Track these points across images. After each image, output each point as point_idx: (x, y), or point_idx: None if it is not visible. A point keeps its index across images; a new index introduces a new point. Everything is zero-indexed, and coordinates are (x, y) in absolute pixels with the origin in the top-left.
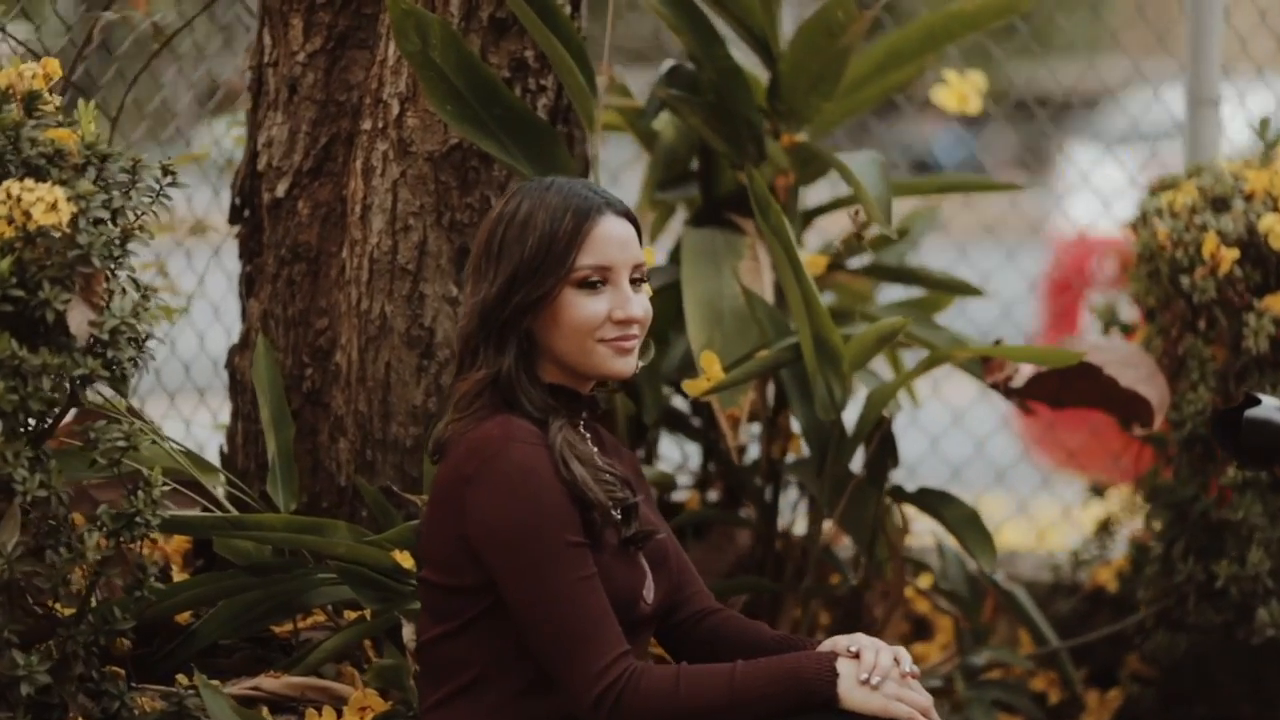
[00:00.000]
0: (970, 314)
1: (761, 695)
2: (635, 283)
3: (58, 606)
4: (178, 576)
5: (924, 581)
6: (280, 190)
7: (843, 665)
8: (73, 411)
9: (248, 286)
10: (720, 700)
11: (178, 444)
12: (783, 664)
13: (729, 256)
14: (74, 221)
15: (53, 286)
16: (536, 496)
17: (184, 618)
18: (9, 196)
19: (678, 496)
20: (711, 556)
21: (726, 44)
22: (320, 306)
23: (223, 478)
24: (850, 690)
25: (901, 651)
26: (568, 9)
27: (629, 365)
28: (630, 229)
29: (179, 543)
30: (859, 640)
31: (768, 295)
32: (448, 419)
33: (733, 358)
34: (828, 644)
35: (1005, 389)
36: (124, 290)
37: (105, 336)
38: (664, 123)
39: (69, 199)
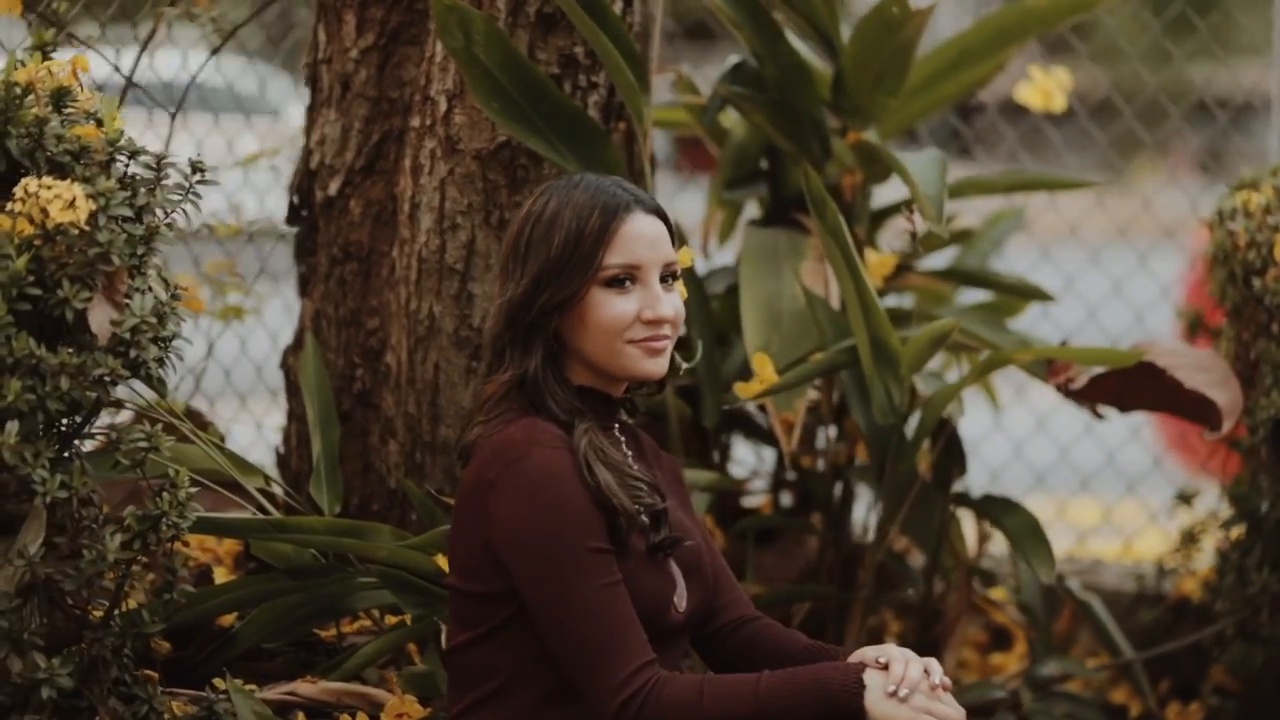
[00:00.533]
0: (1056, 318)
1: (787, 706)
2: (666, 281)
3: (91, 609)
4: (228, 578)
5: (999, 593)
6: (332, 189)
7: (870, 677)
8: (126, 412)
9: (303, 286)
10: (745, 711)
11: (219, 445)
12: (809, 674)
13: (791, 257)
14: (94, 219)
15: (72, 285)
16: (558, 501)
17: (229, 620)
18: (27, 194)
19: (752, 501)
20: (781, 562)
21: (789, 39)
22: (371, 306)
23: (264, 479)
24: (878, 702)
25: (932, 663)
26: (618, 4)
27: (659, 366)
28: (660, 227)
29: (230, 544)
30: (888, 651)
31: (833, 297)
32: (473, 422)
33: (791, 360)
34: (856, 655)
35: (1067, 390)
36: (148, 289)
37: (126, 335)
38: (734, 120)
39: (88, 196)
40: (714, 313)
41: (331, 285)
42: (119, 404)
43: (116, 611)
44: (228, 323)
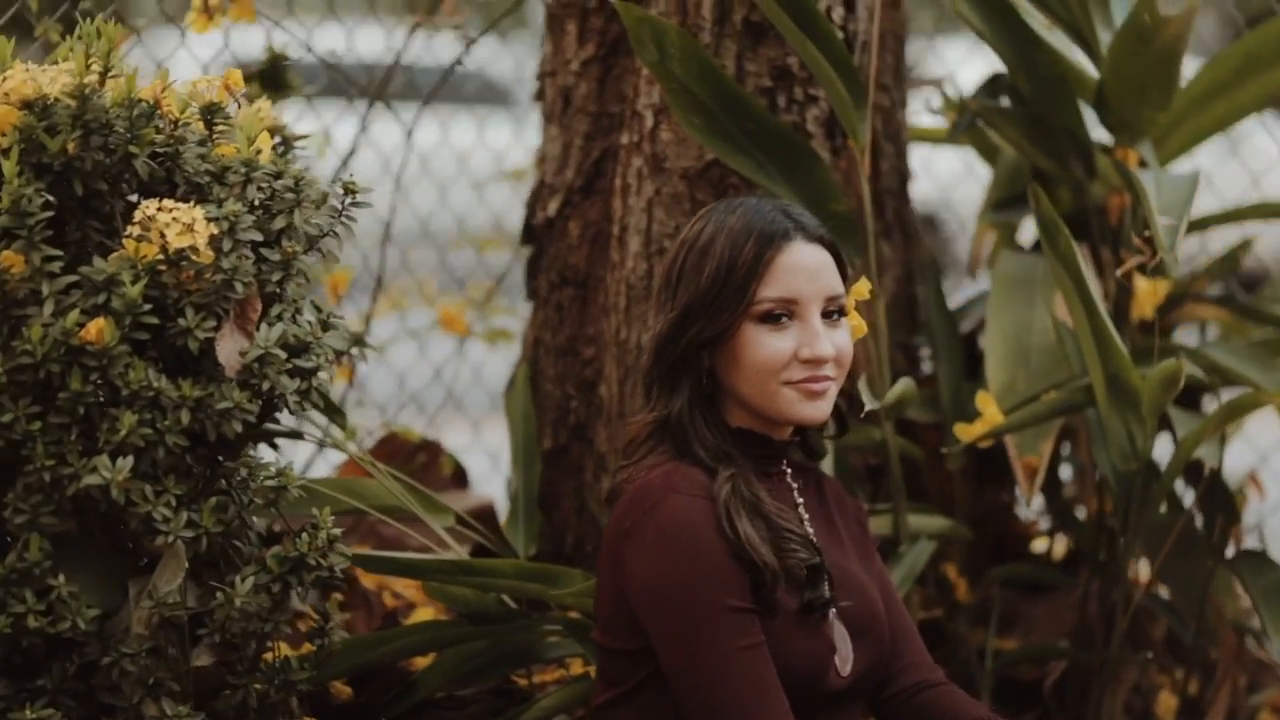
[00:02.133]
0: None
1: None
2: (831, 317)
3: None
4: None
5: None
6: (552, 209)
7: None
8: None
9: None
10: None
11: (407, 481)
12: None
13: (1047, 286)
14: (218, 243)
15: (196, 313)
16: (693, 555)
17: (423, 662)
18: (144, 217)
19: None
20: (1052, 614)
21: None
22: (588, 334)
23: (455, 518)
24: None
25: None
26: (839, 9)
27: (819, 411)
28: (823, 257)
29: None
30: None
31: None
32: (617, 465)
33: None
34: None
35: None
36: (291, 317)
37: (253, 366)
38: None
39: (210, 220)
40: (961, 345)
41: (549, 311)
42: (296, 436)
43: (264, 658)
44: (494, 345)
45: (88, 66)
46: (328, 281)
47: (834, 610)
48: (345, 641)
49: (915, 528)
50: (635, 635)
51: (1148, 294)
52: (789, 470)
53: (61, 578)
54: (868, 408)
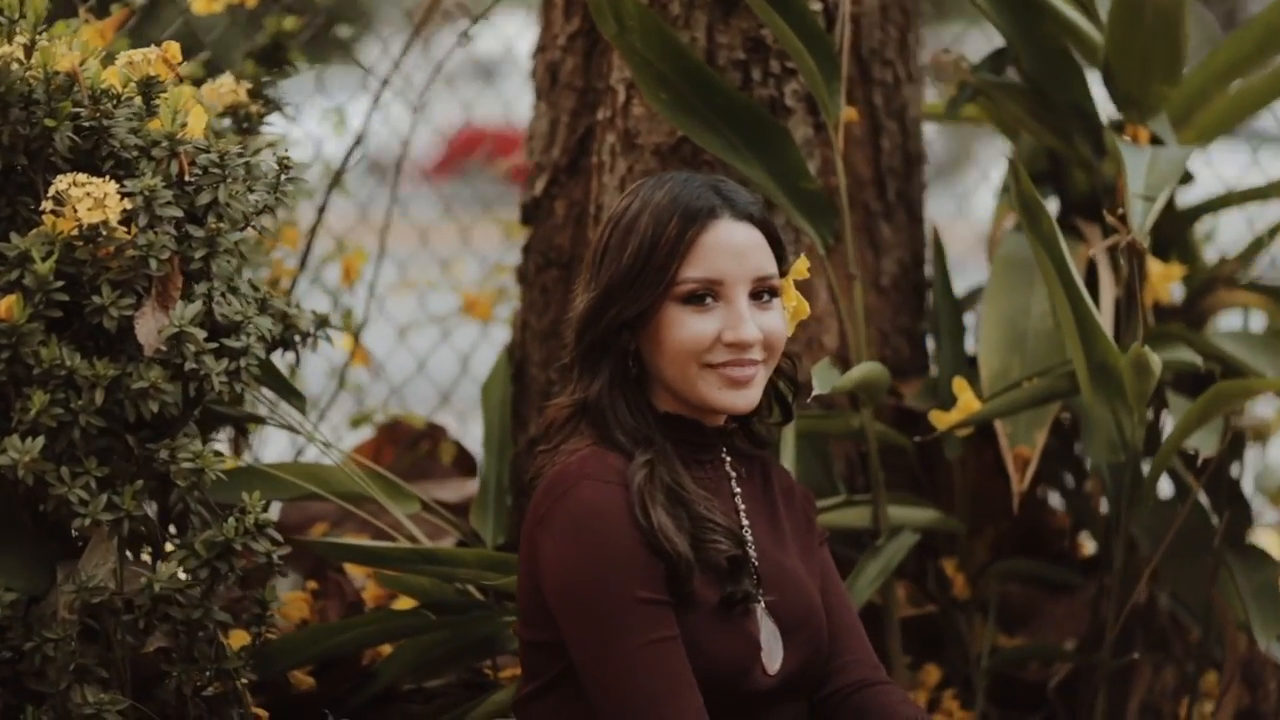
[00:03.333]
0: None
1: None
2: (762, 298)
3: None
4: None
5: None
6: (538, 188)
7: None
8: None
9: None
10: None
11: (372, 467)
12: None
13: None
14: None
15: (113, 290)
16: (603, 544)
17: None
18: (58, 191)
19: None
20: (1073, 613)
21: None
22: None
23: (421, 505)
24: None
25: None
26: None
27: (743, 399)
28: (753, 236)
29: None
30: None
31: (1104, 315)
32: (535, 450)
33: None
34: None
35: None
36: (211, 295)
37: (163, 346)
38: None
39: (124, 195)
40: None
41: (535, 294)
42: (250, 420)
43: (197, 648)
44: None
45: (9, 39)
46: (342, 262)
47: (762, 605)
48: (305, 630)
49: (898, 520)
50: (551, 626)
51: (1160, 277)
52: (728, 458)
53: None
54: (815, 391)
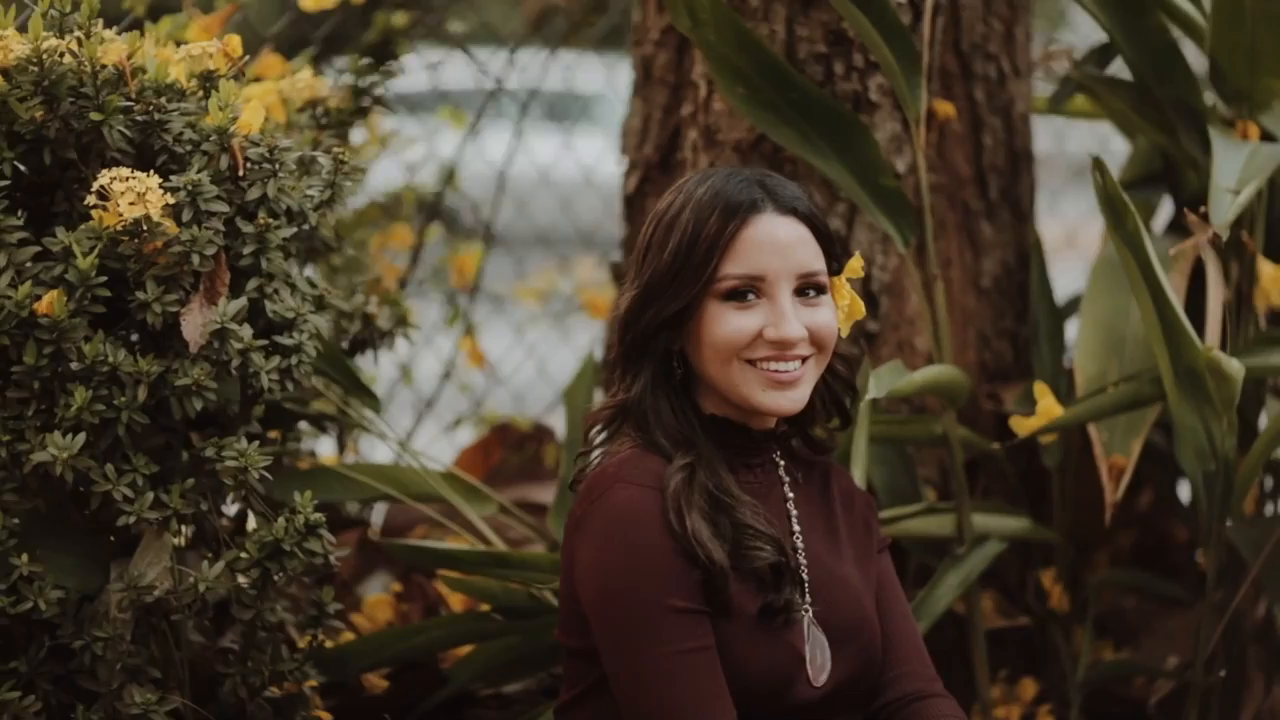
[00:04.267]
0: None
1: None
2: (807, 295)
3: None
4: None
5: None
6: (631, 184)
7: None
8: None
9: None
10: None
11: (448, 470)
12: None
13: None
14: (177, 214)
15: (158, 286)
16: (635, 549)
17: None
18: (101, 187)
19: None
20: (1188, 628)
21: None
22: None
23: (500, 509)
24: None
25: None
26: None
27: (788, 401)
28: (797, 230)
29: None
30: None
31: (1212, 318)
32: (578, 451)
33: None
34: None
35: None
36: (263, 292)
37: (209, 342)
38: None
39: (167, 189)
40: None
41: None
42: (321, 420)
43: (254, 649)
44: None
45: (62, 34)
46: (454, 262)
47: (810, 615)
48: (377, 634)
49: (984, 528)
50: (587, 633)
51: (1272, 280)
52: (782, 463)
53: (25, 557)
54: (870, 395)
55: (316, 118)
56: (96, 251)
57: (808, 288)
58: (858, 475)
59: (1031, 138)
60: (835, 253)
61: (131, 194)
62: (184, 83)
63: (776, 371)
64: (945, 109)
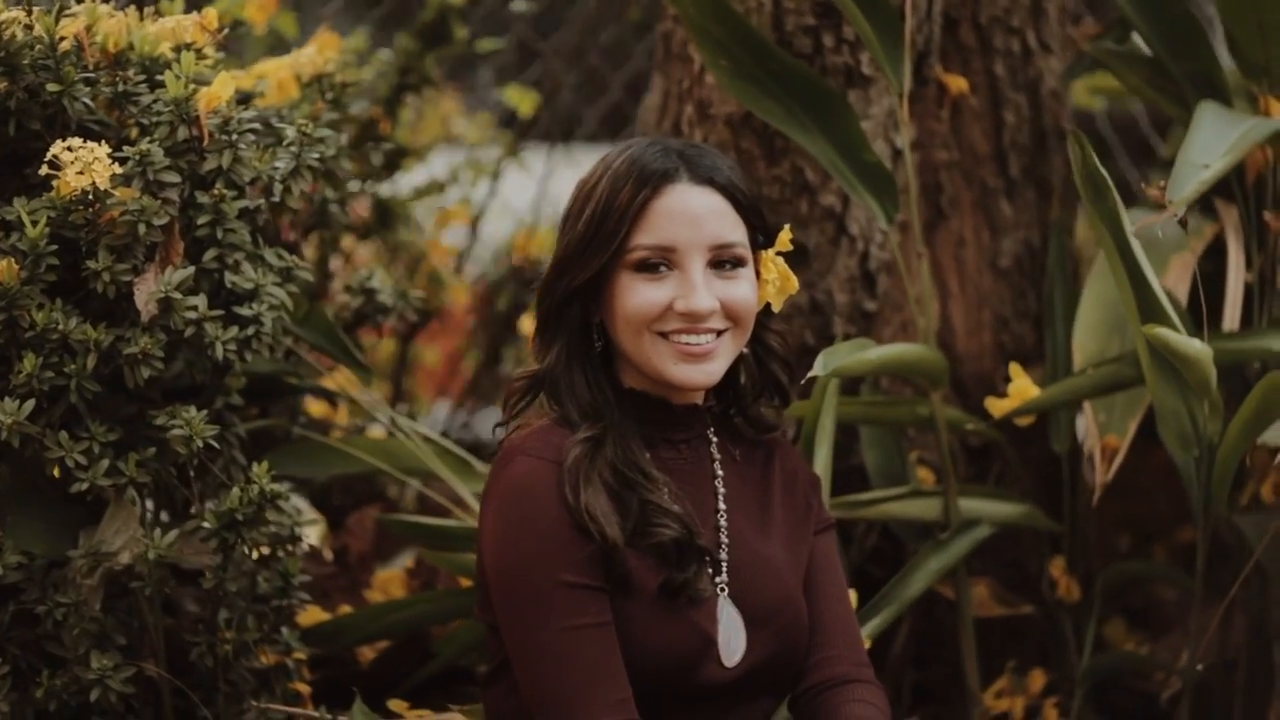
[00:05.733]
0: None
1: None
2: (724, 268)
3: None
4: None
5: None
6: None
7: None
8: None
9: None
10: None
11: (436, 441)
12: None
13: (1162, 249)
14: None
15: (110, 255)
16: (530, 522)
17: None
18: (53, 157)
19: None
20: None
21: None
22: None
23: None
24: None
25: None
26: None
27: (700, 375)
28: (714, 201)
29: None
30: None
31: (1232, 299)
32: (496, 422)
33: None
34: None
35: None
36: (223, 262)
37: (154, 309)
38: None
39: (116, 160)
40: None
41: None
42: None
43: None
44: None
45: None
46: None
47: (725, 594)
48: (367, 608)
49: (974, 513)
50: (491, 607)
51: None
52: (715, 439)
53: None
54: (810, 374)
55: (322, 90)
56: (45, 221)
57: (724, 260)
58: (821, 456)
59: (1067, 115)
60: (761, 225)
61: (79, 164)
62: (169, 55)
63: (688, 345)
64: (958, 83)
